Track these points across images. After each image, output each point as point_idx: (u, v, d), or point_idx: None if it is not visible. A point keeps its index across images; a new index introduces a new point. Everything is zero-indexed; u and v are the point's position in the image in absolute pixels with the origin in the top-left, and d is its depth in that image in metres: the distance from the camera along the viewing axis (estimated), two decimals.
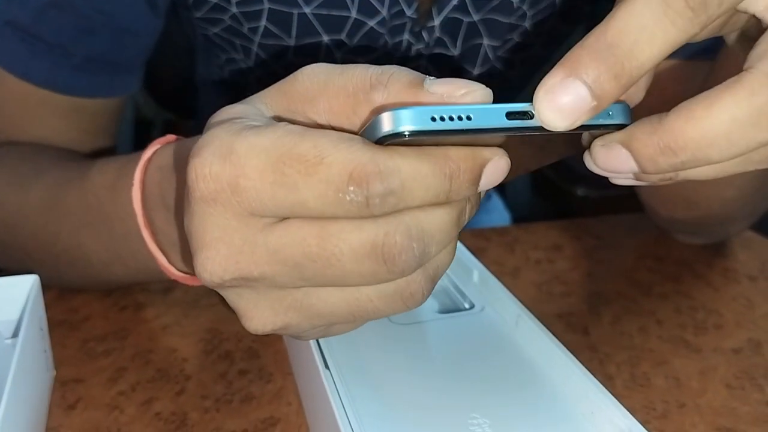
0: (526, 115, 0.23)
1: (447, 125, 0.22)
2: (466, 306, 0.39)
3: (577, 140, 0.26)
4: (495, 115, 0.23)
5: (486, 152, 0.24)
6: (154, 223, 0.38)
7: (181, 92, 0.88)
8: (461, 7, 0.53)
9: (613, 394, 0.31)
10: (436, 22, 0.54)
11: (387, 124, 0.22)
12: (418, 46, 0.55)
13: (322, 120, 0.25)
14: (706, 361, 0.43)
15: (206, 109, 0.75)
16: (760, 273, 0.54)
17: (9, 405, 0.29)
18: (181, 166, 0.35)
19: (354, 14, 0.52)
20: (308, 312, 0.26)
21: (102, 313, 0.46)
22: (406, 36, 0.54)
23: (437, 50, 0.56)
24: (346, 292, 0.25)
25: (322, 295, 0.25)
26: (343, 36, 0.54)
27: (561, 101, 0.22)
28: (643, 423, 0.29)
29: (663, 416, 0.38)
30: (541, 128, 0.23)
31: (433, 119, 0.22)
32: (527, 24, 0.56)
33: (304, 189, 0.23)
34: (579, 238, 0.59)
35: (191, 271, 0.38)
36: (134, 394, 0.39)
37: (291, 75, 0.26)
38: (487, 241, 0.57)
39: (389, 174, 0.22)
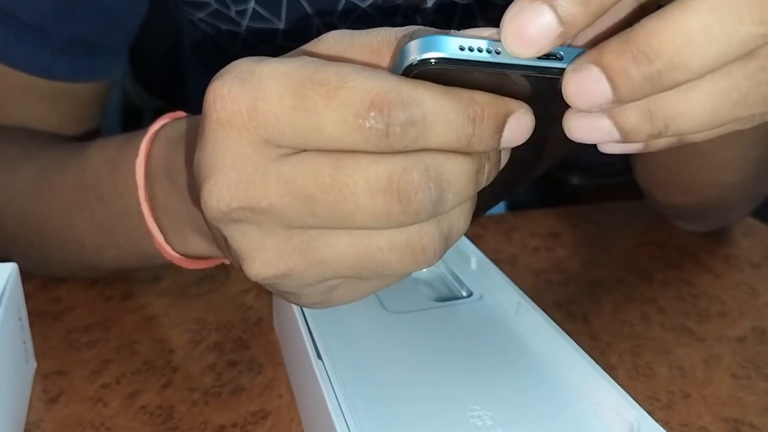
0: (556, 56, 0.22)
1: (475, 56, 0.21)
2: (464, 294, 0.38)
3: None
4: None
5: (512, 103, 0.23)
6: (155, 197, 0.36)
7: (169, 79, 0.87)
8: None
9: (618, 384, 0.29)
10: (429, 4, 0.52)
11: (414, 51, 0.22)
12: None
13: None
14: (710, 350, 0.41)
15: (194, 97, 0.73)
16: (763, 260, 0.52)
17: None
18: (191, 140, 0.34)
19: None
20: (314, 257, 0.24)
21: (86, 303, 0.44)
22: (399, 19, 0.53)
23: None
24: (355, 238, 0.24)
25: (331, 239, 0.24)
26: (334, 19, 0.52)
27: (526, 25, 0.21)
28: (648, 414, 0.28)
29: (667, 407, 0.36)
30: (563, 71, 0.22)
31: (462, 48, 0.21)
32: None
33: (323, 113, 0.22)
34: (578, 226, 0.58)
35: (192, 251, 0.36)
36: (119, 387, 0.37)
37: (315, 39, 0.26)
38: (483, 229, 0.56)
39: (412, 103, 0.22)
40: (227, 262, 0.39)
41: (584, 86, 0.21)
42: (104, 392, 0.37)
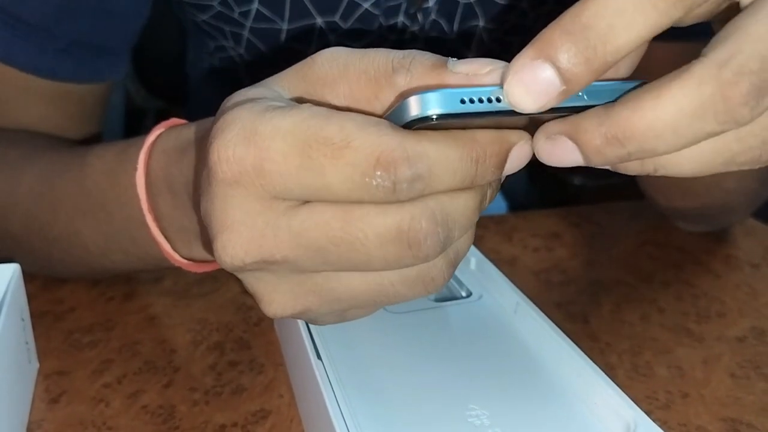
0: None
1: (476, 107, 0.22)
2: (464, 294, 0.38)
3: None
4: None
5: (512, 136, 0.24)
6: (158, 208, 0.37)
7: (172, 80, 0.87)
8: None
9: (616, 384, 0.29)
10: (431, 3, 0.52)
11: (415, 107, 0.22)
12: (413, 29, 0.54)
13: (341, 104, 0.25)
14: (709, 350, 0.41)
15: (197, 97, 0.74)
16: (763, 260, 0.53)
17: None
18: (188, 150, 0.34)
19: None
20: (329, 296, 0.25)
21: (88, 304, 0.45)
22: (401, 18, 0.53)
23: (432, 33, 0.54)
24: (368, 277, 0.25)
25: (344, 279, 0.25)
26: (337, 18, 0.52)
27: (529, 83, 0.21)
28: (647, 413, 0.28)
29: (666, 407, 0.37)
30: (572, 109, 0.22)
31: (462, 101, 0.22)
32: (524, 4, 0.55)
33: (330, 173, 0.22)
34: (578, 226, 0.58)
35: (198, 255, 0.37)
36: (120, 387, 0.37)
37: (308, 58, 0.26)
38: (484, 230, 0.56)
39: (417, 159, 0.22)
40: None
41: (556, 153, 0.23)
42: (106, 392, 0.37)
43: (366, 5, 0.52)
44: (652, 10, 0.20)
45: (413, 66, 0.24)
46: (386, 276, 0.25)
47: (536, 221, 0.58)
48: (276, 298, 0.26)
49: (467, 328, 0.35)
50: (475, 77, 0.23)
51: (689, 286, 0.49)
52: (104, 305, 0.45)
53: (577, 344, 0.32)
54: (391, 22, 0.53)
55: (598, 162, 0.22)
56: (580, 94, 0.22)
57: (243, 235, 0.24)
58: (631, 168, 0.24)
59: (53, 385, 0.37)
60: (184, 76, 0.76)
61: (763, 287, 0.49)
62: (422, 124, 0.22)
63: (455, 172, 0.23)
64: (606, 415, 0.28)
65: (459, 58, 0.24)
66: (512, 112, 0.22)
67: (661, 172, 0.23)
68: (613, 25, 0.20)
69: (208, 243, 0.28)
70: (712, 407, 0.37)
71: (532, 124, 0.24)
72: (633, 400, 0.28)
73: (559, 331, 0.32)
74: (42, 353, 0.39)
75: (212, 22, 0.55)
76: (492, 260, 0.40)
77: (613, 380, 0.29)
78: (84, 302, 0.45)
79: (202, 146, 0.31)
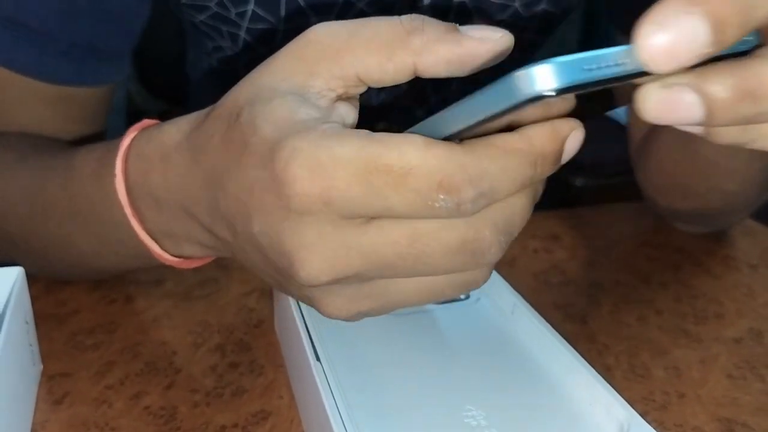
0: None
1: (599, 75, 0.19)
2: (462, 296, 0.38)
3: None
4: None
5: (565, 127, 0.24)
6: (141, 212, 0.37)
7: (172, 80, 0.87)
8: None
9: (611, 385, 0.30)
10: (426, 1, 0.53)
11: (527, 83, 0.19)
12: None
13: (349, 74, 0.26)
14: (706, 351, 0.42)
15: (197, 97, 0.74)
16: (761, 261, 0.53)
17: None
18: (171, 156, 0.33)
19: None
20: (383, 300, 0.27)
21: (90, 306, 0.45)
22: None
23: None
24: (423, 282, 0.26)
25: (401, 284, 0.26)
26: (332, 17, 0.53)
27: (669, 38, 0.19)
28: (643, 414, 0.28)
29: (663, 407, 0.37)
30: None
31: (584, 69, 0.19)
32: (518, 4, 0.55)
33: (393, 199, 0.23)
34: (577, 228, 0.58)
35: (189, 253, 0.37)
36: (123, 388, 0.38)
37: (298, 38, 0.27)
38: None
39: (479, 179, 0.23)
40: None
41: (674, 108, 0.20)
42: (108, 393, 0.37)
43: (360, 5, 0.52)
44: None
45: (426, 27, 0.24)
46: (439, 282, 0.26)
47: (535, 223, 0.58)
48: (335, 303, 0.27)
49: (465, 329, 0.35)
50: (489, 40, 0.23)
51: (687, 287, 0.49)
52: (106, 307, 0.45)
53: (575, 345, 0.32)
54: None
55: (720, 120, 0.20)
56: None
57: (318, 255, 0.25)
58: (727, 135, 0.22)
59: (56, 386, 0.38)
60: (184, 76, 0.77)
61: (761, 288, 0.49)
62: (534, 102, 0.20)
63: (515, 180, 0.23)
64: (600, 415, 0.29)
65: None
66: (631, 76, 0.20)
67: (758, 144, 0.22)
68: None
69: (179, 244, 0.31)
70: (708, 408, 0.37)
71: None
72: (628, 401, 0.29)
73: (555, 332, 0.33)
74: (45, 355, 0.40)
75: (210, 23, 0.55)
76: None
77: (609, 381, 0.30)
78: (86, 305, 0.45)
79: (194, 152, 0.31)
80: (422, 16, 0.25)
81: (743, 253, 0.54)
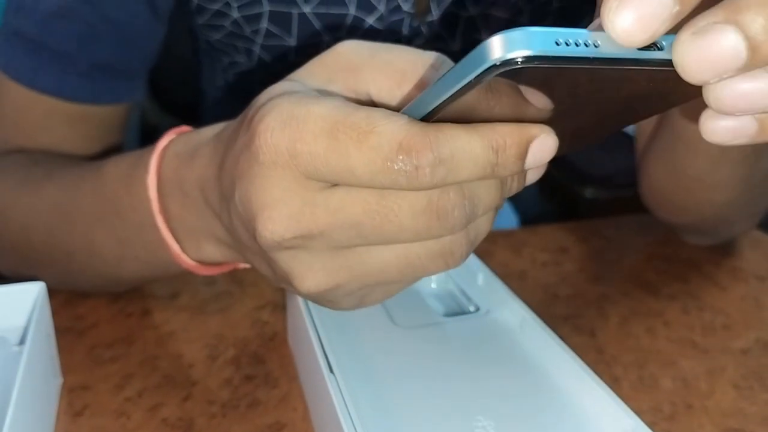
0: (654, 46, 0.20)
1: (573, 51, 0.19)
2: (471, 309, 0.39)
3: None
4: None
5: (534, 129, 0.24)
6: (168, 210, 0.38)
7: (186, 97, 0.89)
8: (459, 3, 0.53)
9: (619, 396, 0.30)
10: (435, 16, 0.54)
11: (499, 48, 0.18)
12: (417, 42, 0.55)
13: (361, 89, 0.27)
14: (714, 362, 0.42)
15: (212, 114, 0.75)
16: None
17: (16, 412, 0.29)
18: (199, 151, 0.35)
19: (353, 11, 0.53)
20: (359, 270, 0.27)
21: (109, 320, 0.46)
22: (405, 32, 0.55)
23: (437, 45, 0.56)
24: (396, 250, 0.26)
25: (374, 253, 0.27)
26: (343, 34, 0.54)
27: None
28: (651, 425, 0.29)
29: (670, 418, 0.37)
30: (669, 62, 0.19)
31: (557, 44, 0.18)
32: (525, 20, 0.56)
33: (354, 156, 0.24)
34: (586, 240, 0.59)
35: (207, 257, 0.38)
36: (141, 400, 0.39)
37: (330, 49, 0.28)
38: (493, 245, 0.57)
39: (438, 144, 0.23)
40: (241, 266, 0.40)
41: (712, 50, 0.18)
42: (127, 405, 0.38)
43: (370, 21, 0.53)
44: None
45: (444, 67, 0.26)
46: (413, 249, 0.26)
47: (545, 235, 0.59)
48: (310, 275, 0.27)
49: (474, 342, 0.36)
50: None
51: (695, 299, 0.50)
52: (124, 321, 0.46)
53: (583, 357, 0.33)
54: (395, 36, 0.55)
55: (759, 60, 0.18)
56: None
57: (282, 211, 0.25)
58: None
59: (77, 398, 0.39)
60: (198, 93, 0.78)
61: None
62: (501, 71, 0.19)
63: (476, 159, 0.24)
64: (607, 425, 0.29)
65: None
66: (608, 61, 0.19)
67: None
68: None
69: (216, 211, 0.30)
70: (715, 418, 0.37)
71: (628, 86, 0.21)
72: (636, 412, 0.29)
73: (563, 344, 0.33)
74: (65, 368, 0.41)
75: (225, 41, 0.57)
76: (501, 274, 0.41)
77: (617, 392, 0.31)
78: (104, 318, 0.46)
79: (217, 144, 0.33)
80: (443, 57, 0.26)
81: (751, 265, 0.54)
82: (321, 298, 0.29)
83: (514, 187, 0.27)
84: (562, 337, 0.35)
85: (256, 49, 0.57)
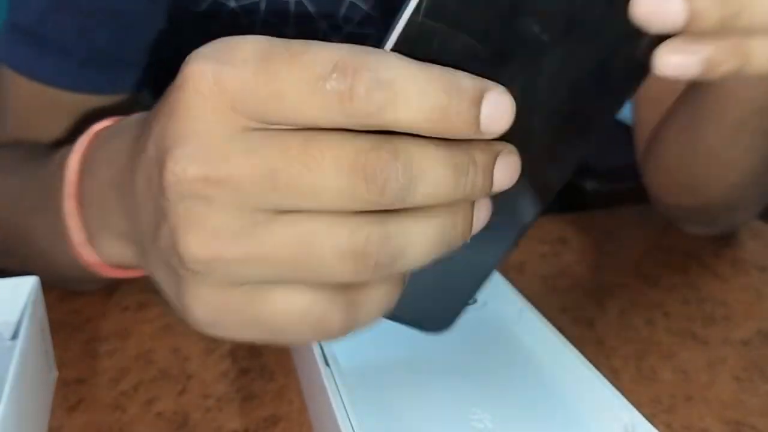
0: None
1: None
2: (469, 301, 0.39)
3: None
4: None
5: (489, 83, 0.21)
6: (86, 189, 0.36)
7: None
8: None
9: (619, 388, 0.30)
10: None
11: None
12: None
13: None
14: (714, 353, 0.42)
15: None
16: None
17: (9, 405, 0.29)
18: (128, 126, 0.33)
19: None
20: (250, 245, 0.22)
21: (104, 314, 0.46)
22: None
23: None
24: (300, 227, 0.22)
25: (276, 227, 0.22)
26: (339, 21, 0.54)
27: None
28: (650, 417, 0.29)
29: (670, 410, 0.37)
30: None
31: None
32: None
33: (284, 77, 0.21)
34: (585, 231, 0.58)
35: (104, 255, 0.36)
36: (136, 394, 0.38)
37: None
38: None
39: (380, 66, 0.20)
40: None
41: (660, 8, 0.20)
42: (122, 399, 0.38)
43: (365, 8, 0.53)
44: None
45: None
46: (319, 237, 0.22)
47: (544, 227, 0.59)
48: (197, 232, 0.22)
49: (472, 334, 0.35)
50: None
51: (695, 290, 0.49)
52: (119, 315, 0.46)
53: (582, 348, 0.33)
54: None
55: (703, 21, 0.20)
56: None
57: (194, 145, 0.22)
58: (720, 63, 0.21)
59: (72, 392, 0.39)
60: None
61: None
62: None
63: (423, 94, 0.20)
64: (605, 417, 0.29)
65: None
66: None
67: (752, 67, 0.21)
68: None
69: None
70: (715, 410, 0.37)
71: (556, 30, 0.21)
72: (635, 404, 0.29)
73: (561, 336, 0.33)
74: (60, 362, 0.41)
75: (224, 32, 0.57)
76: (499, 266, 0.40)
77: (616, 384, 0.30)
78: (100, 312, 0.46)
79: (146, 114, 0.29)
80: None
81: (751, 256, 0.54)
82: (203, 283, 0.23)
83: (478, 184, 0.22)
84: (560, 329, 0.35)
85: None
